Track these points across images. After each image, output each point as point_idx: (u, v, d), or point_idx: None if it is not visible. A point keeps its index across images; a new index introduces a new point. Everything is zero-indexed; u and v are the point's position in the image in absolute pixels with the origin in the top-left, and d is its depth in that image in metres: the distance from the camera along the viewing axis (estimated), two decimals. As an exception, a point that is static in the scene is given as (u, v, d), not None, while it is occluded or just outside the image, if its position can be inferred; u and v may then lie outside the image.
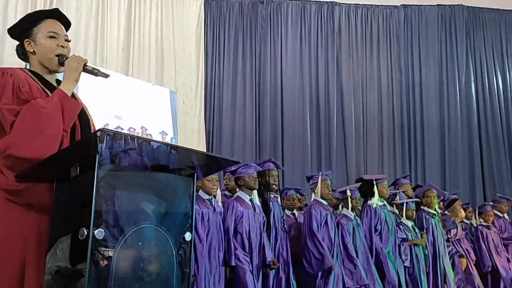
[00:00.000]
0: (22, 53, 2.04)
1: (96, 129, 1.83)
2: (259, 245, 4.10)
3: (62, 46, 2.00)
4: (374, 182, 5.18)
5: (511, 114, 9.90)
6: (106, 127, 1.92)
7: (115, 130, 1.63)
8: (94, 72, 1.96)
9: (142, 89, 7.25)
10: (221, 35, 8.96)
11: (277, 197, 4.62)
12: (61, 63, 1.97)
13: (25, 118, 1.74)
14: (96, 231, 1.49)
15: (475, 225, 6.67)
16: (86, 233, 1.48)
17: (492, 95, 9.91)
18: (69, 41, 2.06)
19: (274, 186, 4.47)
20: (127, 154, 1.64)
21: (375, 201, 5.15)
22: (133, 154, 1.66)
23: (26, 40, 1.99)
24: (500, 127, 9.80)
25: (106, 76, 1.99)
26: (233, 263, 3.90)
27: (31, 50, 1.99)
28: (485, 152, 9.64)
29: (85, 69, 1.94)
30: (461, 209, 6.39)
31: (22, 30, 2.02)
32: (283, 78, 9.03)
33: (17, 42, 2.06)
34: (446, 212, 6.28)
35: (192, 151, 1.82)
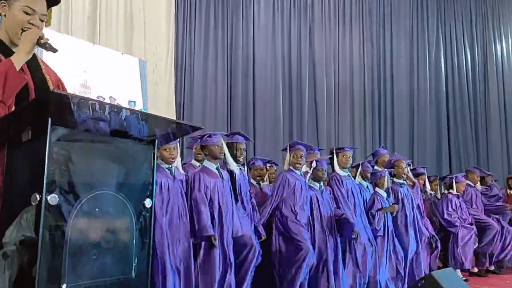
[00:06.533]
0: None
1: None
2: (231, 214, 4.06)
3: (33, 24, 1.96)
4: (334, 152, 5.24)
5: (478, 87, 10.14)
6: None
7: (68, 93, 1.58)
8: (45, 46, 1.93)
9: (110, 58, 7.05)
10: (192, 4, 8.74)
11: (243, 170, 4.59)
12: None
13: None
14: (49, 197, 1.45)
15: (438, 196, 6.86)
16: (38, 198, 1.45)
17: (460, 69, 10.11)
18: (44, 21, 2.02)
19: (240, 159, 4.44)
20: (84, 118, 1.59)
21: (337, 170, 5.21)
22: (90, 119, 1.61)
23: (3, 1, 1.96)
24: (467, 100, 10.04)
25: (55, 50, 1.94)
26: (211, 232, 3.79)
27: (3, 14, 1.97)
28: (452, 124, 9.90)
29: (39, 42, 1.91)
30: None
31: None
32: (255, 49, 8.94)
33: None
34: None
35: (150, 116, 1.79)
